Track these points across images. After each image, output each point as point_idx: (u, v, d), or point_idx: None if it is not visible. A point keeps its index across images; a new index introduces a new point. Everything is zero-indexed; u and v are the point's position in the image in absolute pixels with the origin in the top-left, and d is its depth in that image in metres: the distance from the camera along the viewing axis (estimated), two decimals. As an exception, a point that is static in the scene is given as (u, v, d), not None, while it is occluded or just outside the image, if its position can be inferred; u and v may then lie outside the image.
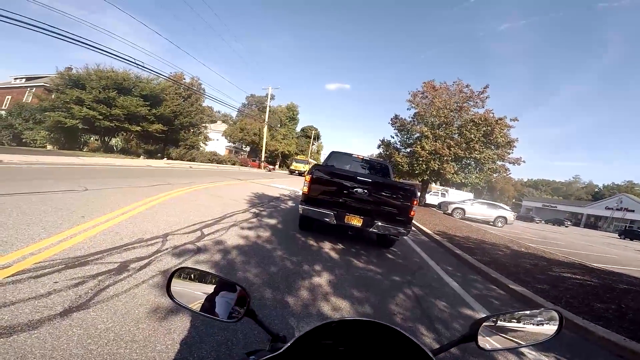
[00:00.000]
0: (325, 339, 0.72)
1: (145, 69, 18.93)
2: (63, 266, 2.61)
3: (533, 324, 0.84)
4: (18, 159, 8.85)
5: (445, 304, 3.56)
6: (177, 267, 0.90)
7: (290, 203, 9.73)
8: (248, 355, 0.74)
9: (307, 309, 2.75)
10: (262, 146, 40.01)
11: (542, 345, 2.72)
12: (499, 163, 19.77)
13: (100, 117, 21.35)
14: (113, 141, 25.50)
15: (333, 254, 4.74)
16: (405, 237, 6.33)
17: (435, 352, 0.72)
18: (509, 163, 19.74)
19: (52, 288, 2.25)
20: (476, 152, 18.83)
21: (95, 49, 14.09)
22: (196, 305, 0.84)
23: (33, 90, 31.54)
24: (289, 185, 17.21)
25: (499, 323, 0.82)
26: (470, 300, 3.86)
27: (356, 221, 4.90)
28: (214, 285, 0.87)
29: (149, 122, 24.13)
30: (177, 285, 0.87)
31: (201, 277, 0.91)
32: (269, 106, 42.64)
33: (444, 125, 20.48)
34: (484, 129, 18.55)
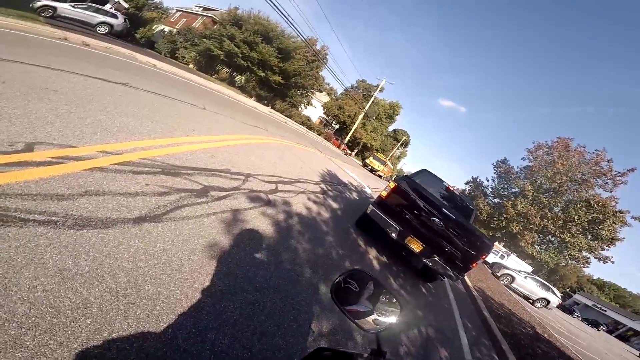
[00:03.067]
0: None
1: (292, 27, 19.96)
2: (159, 170, 2.73)
3: None
4: (167, 67, 10.39)
5: (446, 354, 3.36)
6: (355, 268, 0.94)
7: (354, 195, 9.32)
8: (319, 350, 0.72)
9: (332, 303, 2.49)
10: (350, 129, 39.70)
11: None
12: (584, 254, 15.72)
13: (240, 55, 23.65)
14: (238, 78, 28.14)
15: (375, 264, 4.39)
16: (444, 279, 5.88)
17: None
18: (595, 258, 15.57)
19: (141, 189, 2.30)
20: (568, 235, 15.22)
21: None
22: (351, 308, 0.86)
23: (203, 19, 36.40)
24: (358, 176, 16.67)
25: None
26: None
27: (416, 246, 4.38)
28: (375, 294, 0.89)
29: (272, 72, 25.84)
30: (345, 285, 0.89)
31: (369, 283, 0.92)
32: (375, 97, 41.48)
33: (551, 192, 16.82)
34: (595, 215, 14.69)
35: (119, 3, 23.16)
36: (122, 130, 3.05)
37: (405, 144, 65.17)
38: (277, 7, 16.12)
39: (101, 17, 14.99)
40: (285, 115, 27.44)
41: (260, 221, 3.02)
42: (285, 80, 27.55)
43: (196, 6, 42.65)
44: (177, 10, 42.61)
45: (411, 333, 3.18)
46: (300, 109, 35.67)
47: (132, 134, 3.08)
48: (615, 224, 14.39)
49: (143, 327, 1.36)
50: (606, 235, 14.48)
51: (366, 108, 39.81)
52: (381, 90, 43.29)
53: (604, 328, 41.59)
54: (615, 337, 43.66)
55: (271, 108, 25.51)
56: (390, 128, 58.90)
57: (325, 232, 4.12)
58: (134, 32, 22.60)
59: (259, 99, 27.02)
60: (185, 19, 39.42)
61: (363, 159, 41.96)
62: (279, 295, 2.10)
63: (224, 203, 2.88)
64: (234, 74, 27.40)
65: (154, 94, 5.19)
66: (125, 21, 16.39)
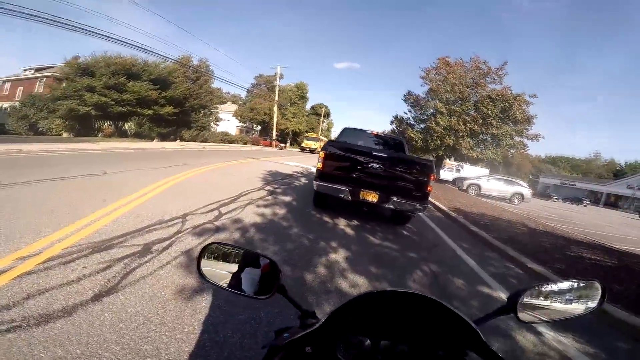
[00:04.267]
0: (357, 313, 0.70)
1: (153, 53, 18.87)
2: (90, 251, 2.65)
3: (573, 297, 0.79)
4: (37, 147, 8.98)
5: (462, 281, 3.47)
6: (207, 243, 0.85)
7: (303, 180, 9.70)
8: (277, 333, 0.71)
9: (325, 285, 2.75)
10: (272, 125, 39.74)
11: (560, 326, 2.68)
12: (517, 139, 19.13)
13: (112, 102, 21.42)
14: (126, 126, 25.69)
15: (348, 231, 4.71)
16: (420, 214, 6.18)
17: (475, 323, 0.69)
18: (527, 139, 19.13)
19: (81, 273, 2.28)
20: (493, 128, 18.33)
21: (102, 36, 14.02)
22: (226, 282, 0.82)
23: (44, 81, 31.76)
24: (300, 162, 17.14)
25: (537, 295, 0.78)
26: (487, 279, 3.74)
27: (372, 197, 4.81)
28: (245, 260, 0.84)
29: (159, 105, 24.07)
30: (208, 262, 0.84)
31: (232, 252, 0.87)
32: (278, 85, 41.79)
33: (459, 101, 19.82)
34: (502, 105, 17.94)
35: None
36: (26, 232, 2.82)
37: (327, 115, 67.77)
38: (119, 40, 15.07)
39: None
40: (200, 142, 26.22)
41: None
42: (179, 107, 26.07)
43: (25, 70, 36.65)
44: (4, 81, 36.34)
45: (416, 276, 3.36)
46: (212, 128, 34.30)
47: (38, 232, 2.87)
48: (521, 106, 17.72)
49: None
50: (521, 117, 17.77)
51: (276, 99, 40.05)
52: (281, 77, 43.87)
53: (587, 201, 44.51)
54: (604, 206, 46.99)
55: (180, 141, 24.06)
56: (308, 106, 60.35)
57: (289, 227, 4.32)
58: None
59: (163, 138, 25.21)
60: (21, 87, 33.94)
61: (299, 145, 42.67)
62: (270, 302, 2.22)
63: (172, 250, 2.90)
64: (119, 124, 24.93)
65: (38, 181, 4.63)
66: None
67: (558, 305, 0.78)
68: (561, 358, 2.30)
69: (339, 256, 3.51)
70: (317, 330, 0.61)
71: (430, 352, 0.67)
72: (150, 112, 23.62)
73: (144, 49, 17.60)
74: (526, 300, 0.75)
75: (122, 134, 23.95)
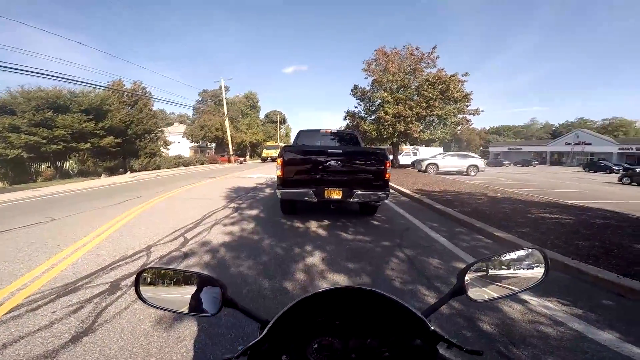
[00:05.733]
0: (310, 314, 0.73)
1: (77, 82, 17.68)
2: (55, 295, 2.59)
3: (521, 269, 0.80)
4: None
5: (438, 260, 3.55)
6: (142, 269, 0.83)
7: (268, 190, 9.73)
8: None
9: (306, 290, 2.77)
10: (227, 140, 38.80)
11: (543, 291, 2.72)
12: (460, 116, 20.95)
13: (44, 141, 19.49)
14: (67, 165, 23.46)
15: (321, 232, 4.80)
16: (386, 201, 6.23)
17: (426, 312, 0.72)
18: (469, 114, 21.02)
19: (52, 318, 2.25)
20: (437, 109, 19.80)
21: (15, 70, 12.81)
22: (170, 303, 0.80)
23: (-45, 126, 27.79)
24: (263, 173, 17.09)
25: (488, 272, 0.80)
26: (461, 254, 3.84)
27: (336, 194, 4.96)
28: (184, 281, 0.83)
29: (98, 137, 22.38)
30: (149, 286, 0.82)
31: (169, 275, 0.86)
32: (226, 98, 40.98)
33: (402, 89, 21.22)
34: (440, 86, 19.55)
35: None
36: (-21, 288, 2.67)
37: (284, 121, 68.03)
38: (34, 72, 13.91)
39: None
40: (153, 169, 24.88)
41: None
42: (121, 136, 24.50)
43: None
44: None
45: (393, 264, 3.40)
46: (163, 153, 32.65)
47: (-6, 285, 2.74)
48: (457, 85, 19.44)
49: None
50: (458, 95, 19.50)
51: (225, 112, 39.20)
52: (227, 90, 43.15)
53: (536, 162, 48.28)
54: (550, 165, 52.07)
55: (131, 172, 22.58)
56: (261, 115, 60.08)
57: (260, 239, 4.36)
58: None
59: (111, 172, 23.42)
60: None
61: (259, 156, 42.24)
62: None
63: (142, 283, 2.88)
64: (58, 163, 22.73)
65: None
66: None
67: (507, 279, 0.78)
68: (553, 323, 2.28)
69: (315, 259, 3.57)
70: (266, 337, 0.62)
71: (404, 343, 0.67)
72: (88, 145, 21.90)
73: (66, 78, 16.41)
74: (474, 277, 0.77)
75: (65, 175, 21.80)
